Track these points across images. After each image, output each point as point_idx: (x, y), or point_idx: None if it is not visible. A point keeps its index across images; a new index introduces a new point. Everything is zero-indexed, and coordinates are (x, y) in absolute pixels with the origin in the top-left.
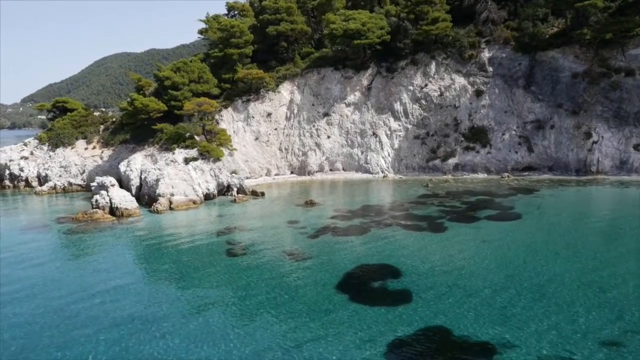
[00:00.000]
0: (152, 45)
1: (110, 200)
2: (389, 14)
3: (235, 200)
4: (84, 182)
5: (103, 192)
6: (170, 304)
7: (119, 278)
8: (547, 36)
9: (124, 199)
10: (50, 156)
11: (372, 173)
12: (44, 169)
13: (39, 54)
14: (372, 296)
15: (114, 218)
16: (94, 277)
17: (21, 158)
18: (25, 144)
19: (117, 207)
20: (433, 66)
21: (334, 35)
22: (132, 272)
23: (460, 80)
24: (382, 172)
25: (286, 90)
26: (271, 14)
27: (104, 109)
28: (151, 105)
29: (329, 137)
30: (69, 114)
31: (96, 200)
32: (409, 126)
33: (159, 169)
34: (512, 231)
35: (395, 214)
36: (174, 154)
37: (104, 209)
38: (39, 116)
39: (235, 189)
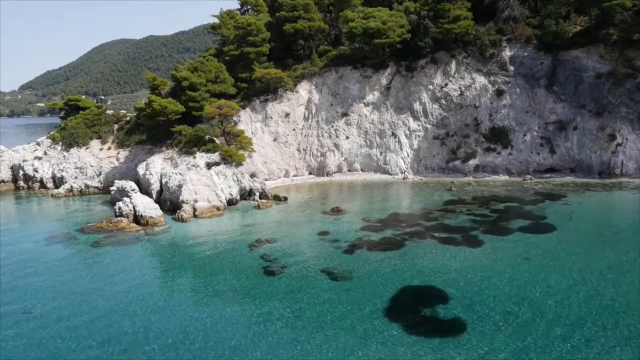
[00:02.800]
0: (151, 31)
1: (134, 207)
2: (407, 11)
3: (259, 206)
4: (101, 184)
5: (126, 199)
6: (218, 333)
7: (156, 301)
8: (570, 35)
9: (148, 207)
10: (64, 156)
11: (391, 174)
12: (59, 170)
13: (36, 40)
14: (425, 326)
15: (140, 227)
16: (130, 299)
17: (35, 158)
18: (38, 144)
19: (141, 215)
20: (453, 65)
21: (354, 34)
22: (169, 294)
23: (480, 80)
24: (402, 172)
25: (304, 90)
26: (288, 11)
27: (103, 97)
28: (170, 107)
29: (347, 137)
30: (81, 112)
31: (119, 208)
32: (429, 126)
33: (180, 173)
34: (550, 247)
35: (427, 224)
36: (195, 158)
37: (128, 217)
38: (38, 104)
39: (257, 194)
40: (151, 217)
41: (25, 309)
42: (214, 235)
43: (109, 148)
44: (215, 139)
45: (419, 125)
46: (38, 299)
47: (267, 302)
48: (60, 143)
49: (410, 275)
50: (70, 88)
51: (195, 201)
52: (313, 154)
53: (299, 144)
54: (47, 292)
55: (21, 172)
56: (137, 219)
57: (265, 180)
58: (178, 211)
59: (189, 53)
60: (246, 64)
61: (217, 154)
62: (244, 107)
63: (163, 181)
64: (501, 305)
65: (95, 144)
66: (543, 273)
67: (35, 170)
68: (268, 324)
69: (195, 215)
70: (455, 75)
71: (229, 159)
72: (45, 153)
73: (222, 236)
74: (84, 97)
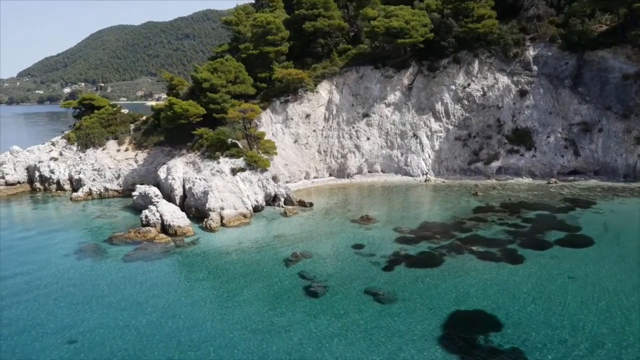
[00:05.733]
0: (149, 17)
1: (161, 216)
2: (429, 9)
3: (285, 212)
4: (120, 187)
5: (152, 207)
6: None
7: (198, 325)
8: (596, 35)
9: (175, 215)
10: (80, 157)
11: (412, 175)
12: (76, 171)
13: (34, 26)
14: (482, 358)
15: (169, 238)
16: (171, 325)
17: (50, 159)
18: (53, 144)
19: (169, 225)
20: (476, 65)
21: (376, 33)
22: (210, 319)
23: (503, 80)
24: (423, 174)
25: (324, 90)
26: (307, 9)
27: (102, 84)
28: (191, 110)
29: (368, 138)
30: (96, 111)
31: (146, 217)
32: (450, 127)
33: (205, 179)
34: (592, 264)
35: (461, 236)
36: (219, 163)
37: (155, 226)
38: (37, 91)
39: (282, 199)
40: (179, 226)
41: (66, 335)
42: (247, 248)
43: (127, 149)
44: (237, 141)
45: (440, 126)
46: (75, 324)
47: (316, 328)
48: (76, 143)
49: (456, 297)
50: (69, 75)
51: (222, 209)
52: (333, 156)
53: (319, 146)
54: (84, 316)
55: (37, 174)
56: (165, 228)
57: (286, 182)
58: (205, 219)
59: (189, 39)
60: (265, 63)
61: (241, 159)
62: (264, 109)
63: (186, 187)
64: (556, 334)
65: (111, 144)
66: (591, 295)
67: (52, 172)
68: (321, 352)
69: (222, 224)
70: (478, 75)
71: (254, 165)
72: (60, 154)
73: (255, 249)
74: (96, 94)
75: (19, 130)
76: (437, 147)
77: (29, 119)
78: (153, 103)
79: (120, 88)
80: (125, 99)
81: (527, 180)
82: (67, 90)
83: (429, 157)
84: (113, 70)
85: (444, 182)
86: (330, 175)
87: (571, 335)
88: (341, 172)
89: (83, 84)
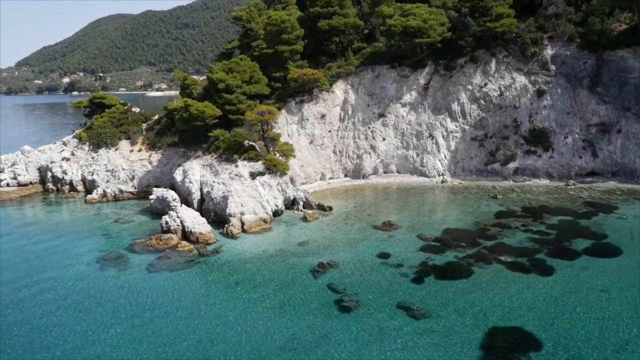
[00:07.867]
0: (148, 6)
1: (181, 222)
2: (446, 7)
3: (305, 217)
4: (135, 188)
5: (172, 213)
6: None
7: (235, 350)
8: (616, 34)
9: (195, 221)
10: (93, 158)
11: (428, 176)
12: (89, 172)
13: (32, 15)
14: None
15: (192, 246)
16: (208, 347)
17: (63, 159)
18: (64, 143)
19: (191, 231)
20: (493, 64)
21: (392, 32)
22: (242, 339)
23: (521, 79)
24: (439, 175)
25: (340, 90)
26: (322, 7)
27: (102, 74)
28: (207, 112)
29: (384, 139)
30: (107, 110)
31: (166, 222)
32: (467, 127)
33: (223, 183)
34: (624, 275)
35: (487, 245)
36: (237, 166)
37: (176, 233)
38: (35, 81)
39: (301, 203)
40: (201, 233)
41: (93, 352)
42: (271, 257)
43: (140, 150)
44: (254, 144)
45: (456, 126)
46: (104, 341)
47: (353, 347)
48: (88, 143)
49: (491, 312)
50: (67, 65)
51: (242, 214)
52: (349, 156)
53: (334, 146)
54: (114, 334)
55: (49, 174)
56: (186, 234)
57: (302, 183)
58: (226, 225)
59: (188, 29)
60: (279, 62)
61: (260, 162)
62: (279, 109)
63: (204, 190)
64: (599, 353)
65: (124, 144)
66: (628, 310)
67: (64, 172)
68: None
69: (243, 229)
70: (495, 75)
71: (273, 169)
72: (72, 154)
73: (280, 258)
74: (100, 89)
75: (21, 125)
76: (453, 148)
77: (29, 110)
78: (153, 94)
79: (120, 78)
80: (124, 89)
81: (544, 181)
82: (65, 80)
83: (445, 157)
84: (112, 60)
85: (460, 183)
86: (346, 176)
87: (614, 356)
88: (357, 172)
89: (82, 73)
